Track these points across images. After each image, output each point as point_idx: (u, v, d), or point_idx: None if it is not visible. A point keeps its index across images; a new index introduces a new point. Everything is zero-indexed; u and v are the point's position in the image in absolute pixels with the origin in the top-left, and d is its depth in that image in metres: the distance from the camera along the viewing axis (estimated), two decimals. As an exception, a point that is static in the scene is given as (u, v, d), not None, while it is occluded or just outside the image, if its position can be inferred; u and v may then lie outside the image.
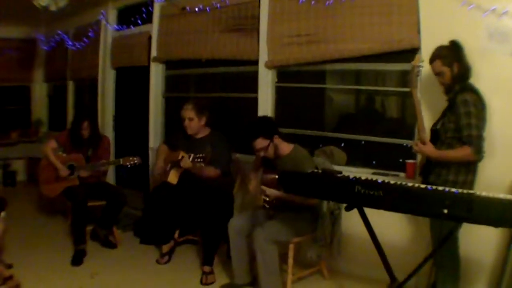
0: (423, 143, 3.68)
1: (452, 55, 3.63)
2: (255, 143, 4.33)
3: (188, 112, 5.14)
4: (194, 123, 5.16)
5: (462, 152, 3.49)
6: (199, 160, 4.80)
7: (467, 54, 3.65)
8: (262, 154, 4.39)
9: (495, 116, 3.76)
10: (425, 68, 3.85)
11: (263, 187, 4.22)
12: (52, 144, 5.69)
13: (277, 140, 4.33)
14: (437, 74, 3.72)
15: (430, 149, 3.65)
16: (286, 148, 4.40)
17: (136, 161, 5.48)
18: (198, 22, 6.22)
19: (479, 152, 3.49)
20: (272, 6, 5.43)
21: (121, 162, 5.50)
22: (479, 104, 3.51)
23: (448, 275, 3.69)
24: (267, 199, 4.18)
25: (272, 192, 4.18)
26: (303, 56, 5.14)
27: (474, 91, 3.55)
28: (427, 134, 3.73)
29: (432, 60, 3.72)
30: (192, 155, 4.83)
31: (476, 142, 3.45)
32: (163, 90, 7.03)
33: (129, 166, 5.48)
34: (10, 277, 4.32)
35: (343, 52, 4.84)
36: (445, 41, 3.70)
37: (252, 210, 4.56)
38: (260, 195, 4.25)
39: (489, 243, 3.95)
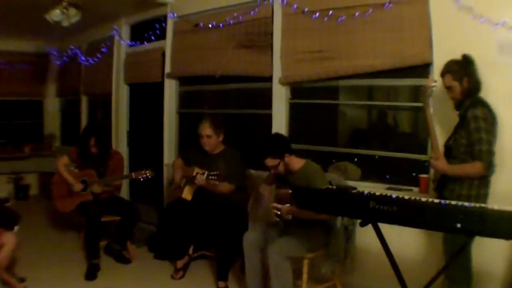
0: (436, 158, 3.70)
1: (462, 69, 3.65)
2: (265, 162, 4.35)
3: (206, 130, 5.16)
4: (212, 140, 5.18)
5: (473, 168, 3.51)
6: (213, 177, 4.84)
7: (478, 68, 3.66)
8: (272, 171, 4.43)
9: (506, 129, 3.76)
10: (438, 83, 3.86)
11: (276, 205, 4.26)
12: (65, 160, 5.75)
13: (288, 158, 4.35)
14: (447, 88, 3.74)
15: (442, 164, 3.67)
16: (297, 163, 4.41)
17: (148, 174, 5.48)
18: (212, 38, 6.26)
19: (489, 167, 3.51)
20: (285, 22, 5.46)
21: (133, 176, 5.52)
22: (489, 118, 3.53)
23: (461, 288, 3.70)
24: (279, 213, 4.21)
25: (284, 208, 4.20)
26: (317, 72, 5.16)
27: (484, 106, 3.57)
28: (440, 150, 3.75)
29: (443, 74, 3.75)
30: (206, 173, 4.87)
31: (487, 157, 3.47)
32: (177, 106, 7.06)
33: (141, 179, 5.49)
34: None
35: (356, 68, 4.86)
36: (456, 55, 3.72)
37: (265, 225, 4.57)
38: (273, 210, 4.28)
39: (501, 255, 3.94)
